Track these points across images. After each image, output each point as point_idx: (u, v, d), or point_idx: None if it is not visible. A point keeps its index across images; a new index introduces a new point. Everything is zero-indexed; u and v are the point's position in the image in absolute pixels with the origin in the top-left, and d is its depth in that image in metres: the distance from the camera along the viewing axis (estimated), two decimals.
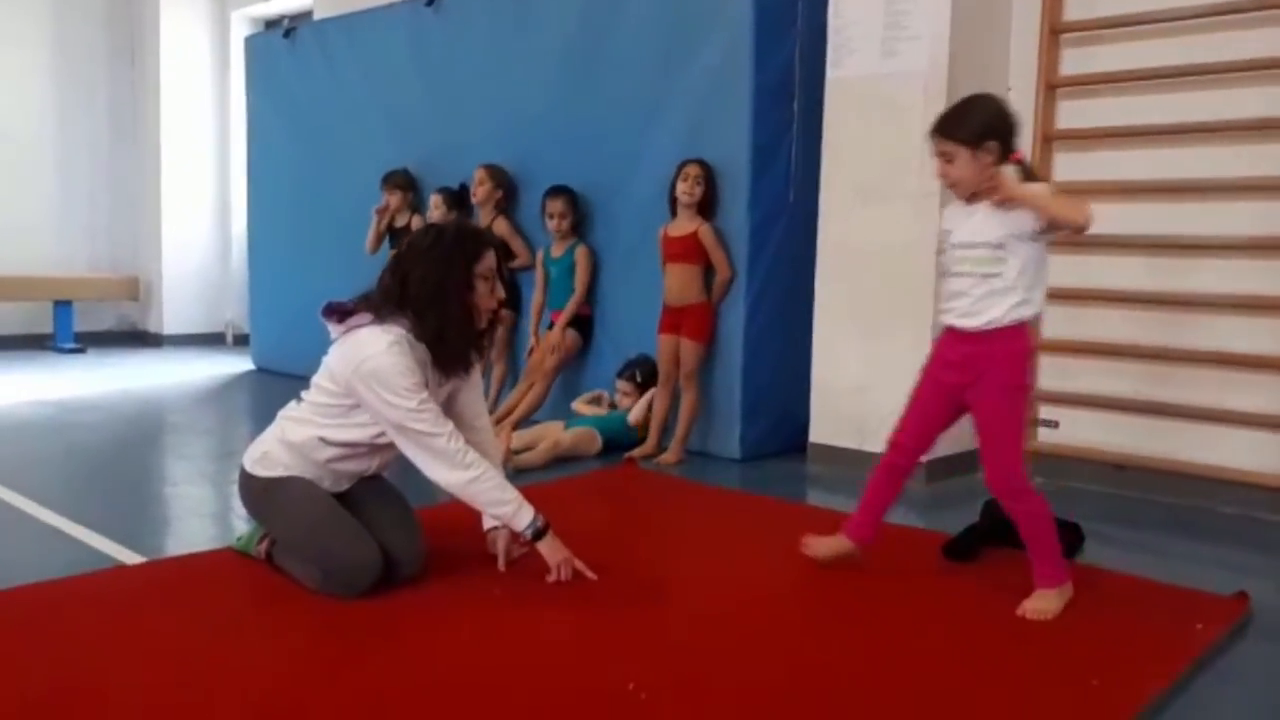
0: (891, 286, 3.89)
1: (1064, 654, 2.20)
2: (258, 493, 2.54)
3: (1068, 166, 3.92)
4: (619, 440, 4.22)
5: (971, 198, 2.43)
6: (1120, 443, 3.82)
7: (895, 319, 3.88)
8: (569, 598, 2.46)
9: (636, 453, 4.17)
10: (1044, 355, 3.99)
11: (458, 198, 5.08)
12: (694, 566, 2.78)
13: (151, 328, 8.27)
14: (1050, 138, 3.90)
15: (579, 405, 4.53)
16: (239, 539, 2.73)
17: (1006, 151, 2.38)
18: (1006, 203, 2.33)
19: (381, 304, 2.45)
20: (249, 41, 6.89)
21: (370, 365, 2.36)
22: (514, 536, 2.65)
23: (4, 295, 7.47)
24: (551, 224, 4.59)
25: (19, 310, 7.65)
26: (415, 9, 5.44)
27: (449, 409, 2.61)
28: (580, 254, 4.58)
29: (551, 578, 2.49)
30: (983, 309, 2.40)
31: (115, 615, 2.30)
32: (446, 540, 2.69)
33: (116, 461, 4.18)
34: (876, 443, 3.95)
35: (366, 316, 2.45)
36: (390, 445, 2.50)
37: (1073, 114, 3.89)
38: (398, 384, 2.36)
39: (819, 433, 4.15)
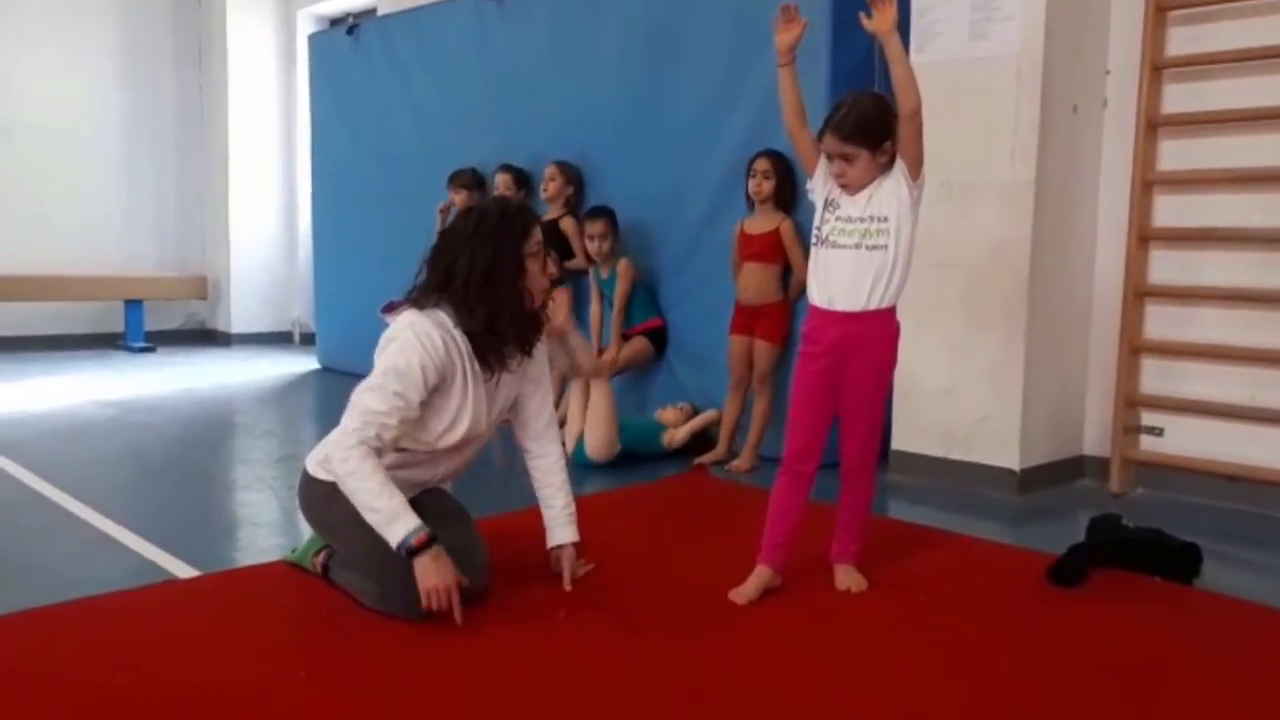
0: (981, 283, 3.64)
1: (1213, 707, 1.94)
2: (319, 499, 2.41)
3: (1175, 155, 3.62)
4: (640, 449, 4.06)
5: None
6: (1233, 453, 3.51)
7: (984, 317, 3.64)
8: (637, 623, 2.29)
9: (707, 458, 3.98)
10: (1148, 358, 3.73)
11: (524, 176, 4.98)
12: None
13: (220, 326, 8.31)
14: (1155, 124, 3.61)
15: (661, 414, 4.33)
16: (292, 550, 2.62)
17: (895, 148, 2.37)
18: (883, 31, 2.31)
19: (425, 295, 2.31)
20: (312, 39, 6.84)
21: (391, 334, 2.25)
22: (578, 554, 2.51)
23: (74, 295, 7.55)
24: (592, 246, 4.41)
25: (90, 310, 7.72)
26: (480, 4, 5.31)
27: (515, 415, 2.49)
28: (621, 267, 4.40)
29: (423, 603, 2.17)
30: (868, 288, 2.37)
31: (164, 633, 2.19)
32: (509, 555, 2.54)
33: (174, 465, 4.11)
34: (964, 450, 3.76)
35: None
36: (451, 452, 2.39)
37: (1181, 98, 3.59)
38: (388, 352, 2.22)
39: (901, 439, 3.91)
